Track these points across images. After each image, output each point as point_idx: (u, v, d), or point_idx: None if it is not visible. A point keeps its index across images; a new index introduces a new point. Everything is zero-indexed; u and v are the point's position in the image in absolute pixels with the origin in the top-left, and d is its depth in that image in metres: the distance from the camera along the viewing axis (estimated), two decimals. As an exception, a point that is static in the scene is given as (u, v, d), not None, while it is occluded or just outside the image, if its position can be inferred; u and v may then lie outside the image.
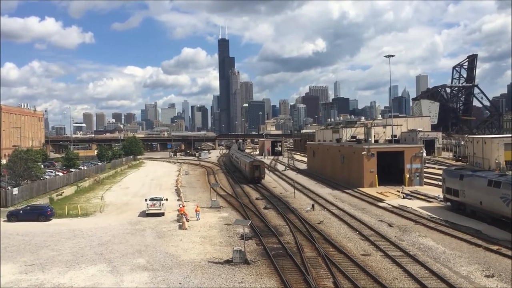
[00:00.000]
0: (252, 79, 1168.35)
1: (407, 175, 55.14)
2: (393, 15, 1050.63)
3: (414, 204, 43.23)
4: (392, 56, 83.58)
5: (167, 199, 45.40)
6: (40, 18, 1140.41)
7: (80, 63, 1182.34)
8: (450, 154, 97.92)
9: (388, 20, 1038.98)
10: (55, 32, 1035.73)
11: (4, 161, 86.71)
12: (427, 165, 72.18)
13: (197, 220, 39.16)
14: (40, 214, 41.19)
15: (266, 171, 78.04)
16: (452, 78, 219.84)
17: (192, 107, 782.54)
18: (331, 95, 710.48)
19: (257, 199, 51.37)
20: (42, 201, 49.79)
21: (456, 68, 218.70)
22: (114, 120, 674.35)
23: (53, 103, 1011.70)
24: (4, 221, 40.79)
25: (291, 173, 78.59)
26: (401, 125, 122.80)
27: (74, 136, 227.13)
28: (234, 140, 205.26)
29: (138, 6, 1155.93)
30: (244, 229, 31.02)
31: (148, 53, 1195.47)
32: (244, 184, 65.42)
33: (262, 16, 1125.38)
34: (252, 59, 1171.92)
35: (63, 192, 57.61)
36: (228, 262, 26.33)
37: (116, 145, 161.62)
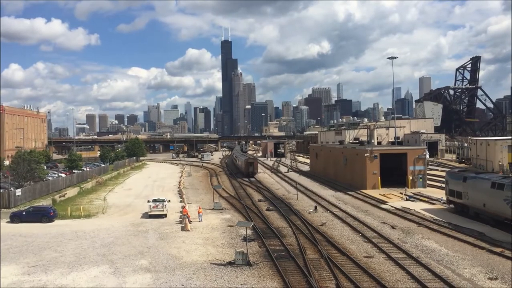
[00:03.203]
0: (256, 81, 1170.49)
1: (410, 177, 55.02)
2: (398, 17, 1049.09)
3: (417, 206, 43.13)
4: (395, 58, 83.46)
5: (169, 201, 45.44)
6: (47, 19, 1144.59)
7: (85, 64, 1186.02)
8: (453, 156, 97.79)
9: (394, 22, 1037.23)
10: (61, 34, 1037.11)
11: (7, 163, 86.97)
12: (430, 167, 72.06)
13: (199, 221, 39.15)
14: (43, 215, 41.27)
15: (269, 172, 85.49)
16: (456, 80, 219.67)
17: (195, 108, 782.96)
18: (334, 97, 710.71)
19: (259, 200, 51.32)
20: (45, 202, 49.92)
21: (460, 70, 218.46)
22: (117, 122, 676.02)
23: (57, 104, 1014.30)
24: (7, 222, 40.90)
25: (293, 175, 78.54)
26: (404, 127, 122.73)
27: (77, 137, 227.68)
28: (236, 142, 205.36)
29: (144, 7, 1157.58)
30: (246, 231, 31.03)
31: (152, 54, 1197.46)
32: (242, 181, 69.04)
33: (267, 18, 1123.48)
34: (256, 60, 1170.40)
35: (66, 193, 57.69)
36: (230, 264, 26.30)
37: (118, 146, 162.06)
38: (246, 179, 73.94)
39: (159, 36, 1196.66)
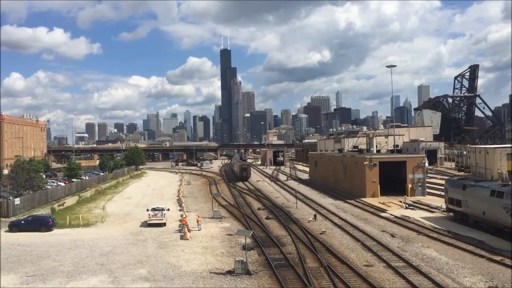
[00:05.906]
0: (256, 89, 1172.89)
1: (410, 185, 55.02)
2: (399, 25, 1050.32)
3: (417, 214, 43.10)
4: (394, 66, 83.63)
5: (169, 209, 45.32)
6: (49, 28, 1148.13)
7: (86, 73, 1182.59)
8: (453, 164, 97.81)
9: (394, 30, 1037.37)
10: (63, 43, 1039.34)
11: (6, 171, 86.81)
12: (429, 175, 72.03)
13: (198, 230, 39.06)
14: (41, 225, 41.11)
15: (268, 180, 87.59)
16: (454, 88, 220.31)
17: (194, 117, 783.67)
18: (333, 105, 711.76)
19: (259, 209, 51.25)
20: (43, 211, 49.72)
21: (458, 78, 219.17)
22: (116, 130, 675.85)
23: (57, 113, 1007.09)
24: (6, 231, 40.71)
25: (293, 183, 78.50)
26: (403, 135, 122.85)
27: (76, 146, 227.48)
28: (236, 150, 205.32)
29: (147, 16, 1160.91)
30: (246, 240, 30.96)
31: (153, 63, 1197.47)
32: (241, 189, 68.99)
33: (269, 26, 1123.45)
34: (257, 69, 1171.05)
35: (65, 202, 57.56)
36: (230, 272, 26.21)
37: (118, 155, 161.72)
38: (245, 187, 74.30)
39: (160, 44, 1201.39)
